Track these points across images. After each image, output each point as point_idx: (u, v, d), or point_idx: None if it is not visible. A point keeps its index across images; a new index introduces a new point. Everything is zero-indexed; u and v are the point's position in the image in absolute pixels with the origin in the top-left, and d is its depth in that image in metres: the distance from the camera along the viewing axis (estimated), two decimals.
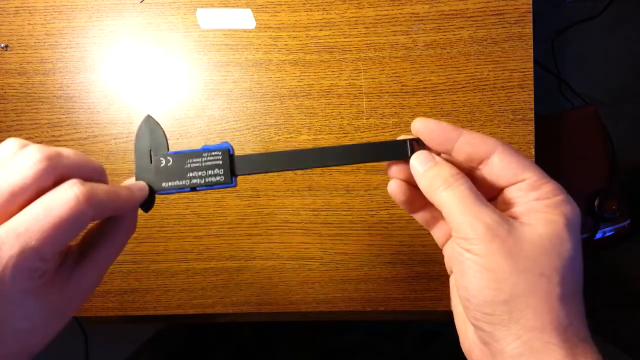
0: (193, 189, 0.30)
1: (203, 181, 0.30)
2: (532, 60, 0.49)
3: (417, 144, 0.30)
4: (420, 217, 0.34)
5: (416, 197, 0.32)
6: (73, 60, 0.51)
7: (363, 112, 0.50)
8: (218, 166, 0.30)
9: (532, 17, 0.49)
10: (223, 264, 0.51)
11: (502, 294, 0.25)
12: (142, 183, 0.29)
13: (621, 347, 0.63)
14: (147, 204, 0.29)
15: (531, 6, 0.49)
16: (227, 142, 0.31)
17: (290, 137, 0.50)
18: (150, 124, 0.31)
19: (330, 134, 0.50)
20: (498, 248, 0.25)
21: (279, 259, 0.50)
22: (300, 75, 0.50)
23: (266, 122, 0.50)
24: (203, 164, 0.30)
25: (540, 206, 0.27)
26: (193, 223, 0.51)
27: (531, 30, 0.49)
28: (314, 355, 0.75)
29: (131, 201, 0.27)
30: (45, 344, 0.24)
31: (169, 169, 0.30)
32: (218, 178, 0.30)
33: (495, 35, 0.49)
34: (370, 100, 0.50)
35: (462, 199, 0.27)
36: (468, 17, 0.49)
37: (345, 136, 0.50)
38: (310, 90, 0.50)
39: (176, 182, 0.30)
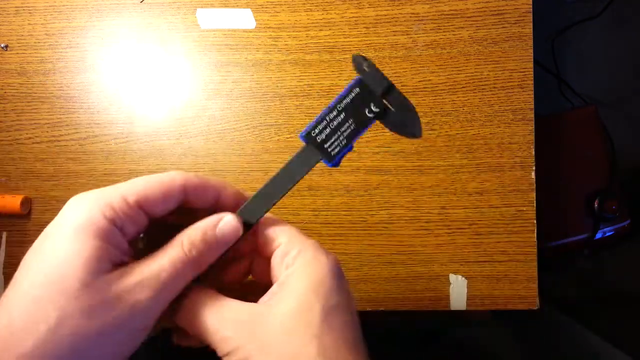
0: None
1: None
2: (532, 60, 0.49)
3: None
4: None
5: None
6: (73, 60, 0.51)
7: None
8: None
9: (532, 17, 0.49)
10: None
11: None
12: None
13: (621, 347, 0.63)
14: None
15: (531, 6, 0.49)
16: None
17: (291, 137, 0.50)
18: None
19: None
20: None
21: None
22: (300, 75, 0.50)
23: (266, 122, 0.50)
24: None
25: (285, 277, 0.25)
26: None
27: (531, 30, 0.49)
28: None
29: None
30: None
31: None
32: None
33: (495, 35, 0.49)
34: None
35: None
36: (468, 17, 0.49)
37: None
38: (310, 90, 0.50)
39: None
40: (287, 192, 0.28)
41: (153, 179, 0.25)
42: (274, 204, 0.28)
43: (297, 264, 0.25)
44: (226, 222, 0.27)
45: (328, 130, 0.28)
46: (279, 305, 0.24)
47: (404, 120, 0.28)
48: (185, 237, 0.25)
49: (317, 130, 0.27)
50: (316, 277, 0.25)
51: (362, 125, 0.28)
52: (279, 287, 0.25)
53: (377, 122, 0.28)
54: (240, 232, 0.27)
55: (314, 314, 0.23)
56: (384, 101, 0.28)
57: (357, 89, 0.27)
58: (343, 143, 0.28)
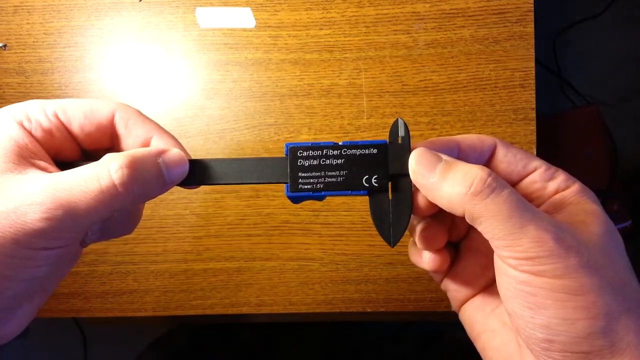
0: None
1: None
2: (534, 59, 0.49)
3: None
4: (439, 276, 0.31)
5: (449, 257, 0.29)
6: (72, 59, 0.51)
7: (364, 111, 0.50)
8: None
9: (533, 16, 0.49)
10: (222, 264, 0.50)
11: (599, 322, 0.20)
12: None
13: None
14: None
15: (532, 5, 0.49)
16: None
17: (290, 136, 0.50)
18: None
19: (331, 133, 0.50)
20: (576, 263, 0.20)
21: (278, 259, 0.50)
22: (300, 75, 0.50)
23: (266, 122, 0.50)
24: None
25: (569, 198, 0.23)
26: (192, 223, 0.50)
27: (532, 29, 0.49)
28: (315, 355, 0.75)
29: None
30: None
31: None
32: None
33: (496, 34, 0.49)
34: (371, 100, 0.49)
35: (514, 206, 0.21)
36: (469, 15, 0.49)
37: (346, 136, 0.50)
38: (310, 89, 0.50)
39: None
40: (234, 184, 0.25)
41: (82, 100, 0.25)
42: (216, 184, 0.25)
43: (572, 186, 0.24)
44: (174, 154, 0.24)
45: (315, 162, 0.24)
46: (586, 226, 0.23)
47: (390, 215, 0.25)
48: (115, 158, 0.22)
49: (305, 153, 0.24)
50: (597, 200, 0.24)
51: (349, 186, 0.24)
52: (563, 208, 0.23)
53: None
54: (186, 174, 0.24)
55: (619, 241, 0.24)
56: (390, 183, 0.25)
57: (375, 150, 0.24)
58: (317, 187, 0.24)
